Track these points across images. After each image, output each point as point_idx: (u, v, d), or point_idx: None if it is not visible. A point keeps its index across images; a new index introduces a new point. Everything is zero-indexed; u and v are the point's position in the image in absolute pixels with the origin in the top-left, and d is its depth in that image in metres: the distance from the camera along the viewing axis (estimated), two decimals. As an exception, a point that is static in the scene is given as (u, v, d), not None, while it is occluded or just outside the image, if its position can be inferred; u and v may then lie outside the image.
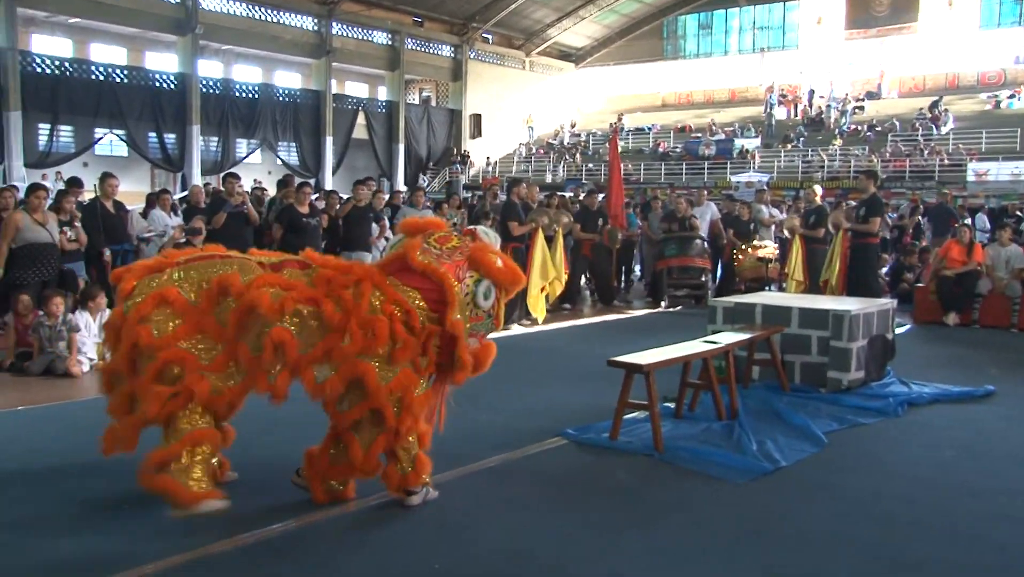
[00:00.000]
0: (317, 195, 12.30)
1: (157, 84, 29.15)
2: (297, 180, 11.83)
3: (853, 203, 12.26)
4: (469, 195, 27.72)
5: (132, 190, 24.20)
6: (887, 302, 8.29)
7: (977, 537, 4.28)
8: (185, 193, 11.75)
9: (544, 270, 10.55)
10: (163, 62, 31.16)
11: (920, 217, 17.94)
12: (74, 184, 10.09)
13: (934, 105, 33.51)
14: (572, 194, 19.67)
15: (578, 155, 38.22)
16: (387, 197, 14.83)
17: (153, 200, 12.04)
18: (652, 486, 4.99)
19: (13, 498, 4.60)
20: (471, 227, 4.79)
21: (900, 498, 4.83)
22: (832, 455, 5.64)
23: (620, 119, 40.39)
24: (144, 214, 11.57)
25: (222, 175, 11.24)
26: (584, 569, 3.86)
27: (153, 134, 28.76)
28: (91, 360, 8.01)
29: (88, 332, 8.11)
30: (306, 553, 3.92)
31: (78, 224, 9.26)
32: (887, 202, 20.43)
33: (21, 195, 13.87)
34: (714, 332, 7.34)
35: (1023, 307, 11.17)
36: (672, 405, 6.55)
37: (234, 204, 9.96)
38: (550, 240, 10.86)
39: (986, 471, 5.34)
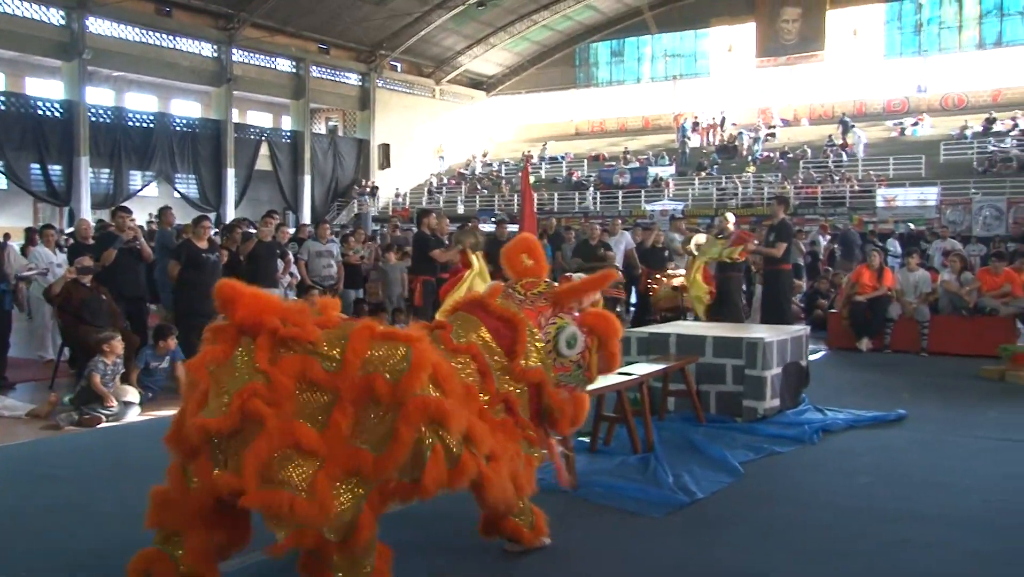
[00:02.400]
0: (217, 230, 11.77)
1: (40, 112, 27.69)
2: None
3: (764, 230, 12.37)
4: (378, 227, 27.30)
5: (13, 225, 23.01)
6: (800, 329, 8.25)
7: (893, 565, 4.23)
8: (71, 229, 11.18)
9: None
10: (47, 88, 29.62)
11: (833, 245, 18.30)
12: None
13: (844, 129, 34.45)
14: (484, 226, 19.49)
15: (490, 185, 38.09)
16: (292, 231, 14.35)
17: (34, 236, 11.35)
18: (568, 524, 4.74)
19: None
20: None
21: (817, 527, 4.77)
22: (748, 485, 5.55)
23: (533, 150, 40.52)
24: (23, 251, 10.88)
25: (111, 209, 10.61)
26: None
27: (36, 165, 27.31)
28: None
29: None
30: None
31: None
32: (800, 228, 20.84)
33: None
34: (628, 363, 7.14)
35: (932, 331, 11.30)
36: (587, 440, 6.34)
37: (125, 240, 9.41)
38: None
39: (900, 496, 5.30)
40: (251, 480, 2.95)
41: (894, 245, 18.07)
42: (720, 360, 7.23)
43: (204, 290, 8.85)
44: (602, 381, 6.00)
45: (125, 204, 22.57)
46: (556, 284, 4.36)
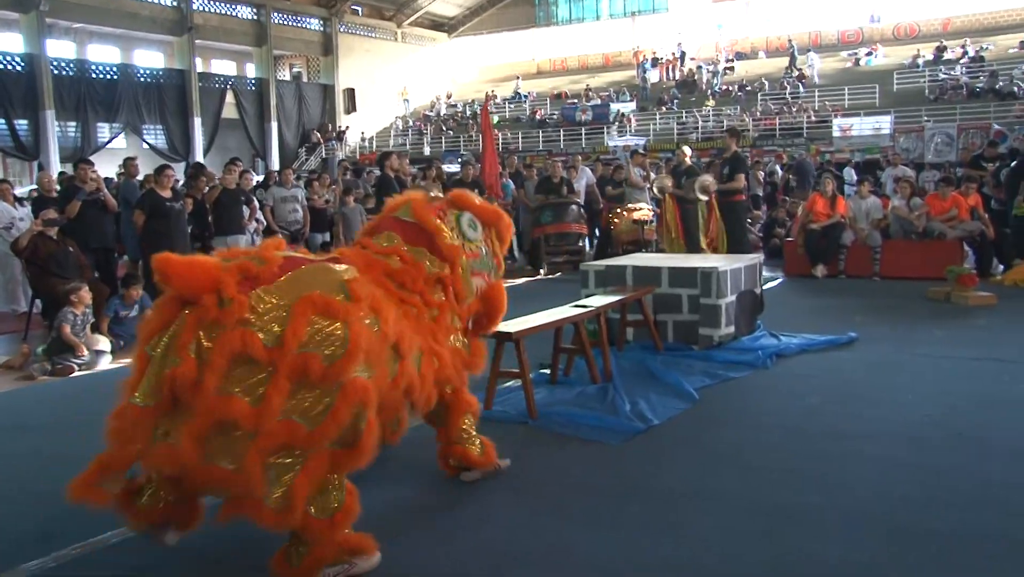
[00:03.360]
0: (188, 175, 11.73)
1: (1, 67, 27.31)
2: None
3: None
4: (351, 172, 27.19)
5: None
6: (754, 257, 8.46)
7: (839, 479, 4.41)
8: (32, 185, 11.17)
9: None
10: (6, 42, 28.98)
11: (789, 175, 18.56)
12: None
13: (793, 58, 34.81)
14: (450, 167, 19.54)
15: (455, 126, 37.94)
16: (258, 179, 14.36)
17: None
18: (526, 453, 4.95)
19: None
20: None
21: (767, 447, 4.96)
22: (703, 410, 5.75)
23: (498, 90, 40.31)
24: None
25: (74, 162, 10.59)
26: (458, 537, 3.84)
27: (2, 120, 27.00)
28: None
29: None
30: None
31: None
32: (759, 160, 21.06)
33: None
34: (587, 296, 7.37)
35: (884, 256, 11.61)
36: (547, 372, 6.55)
37: (88, 191, 9.45)
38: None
39: (849, 415, 5.53)
40: (190, 455, 3.00)
41: (850, 174, 18.32)
42: (676, 290, 7.44)
43: (169, 239, 9.00)
44: (560, 314, 6.28)
45: (92, 157, 22.53)
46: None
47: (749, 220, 15.80)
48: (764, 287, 8.41)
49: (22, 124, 27.36)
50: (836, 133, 28.05)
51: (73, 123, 28.99)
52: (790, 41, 36.02)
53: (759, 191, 17.47)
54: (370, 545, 3.45)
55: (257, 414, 2.99)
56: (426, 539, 3.85)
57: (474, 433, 4.41)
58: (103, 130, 30.45)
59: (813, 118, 30.02)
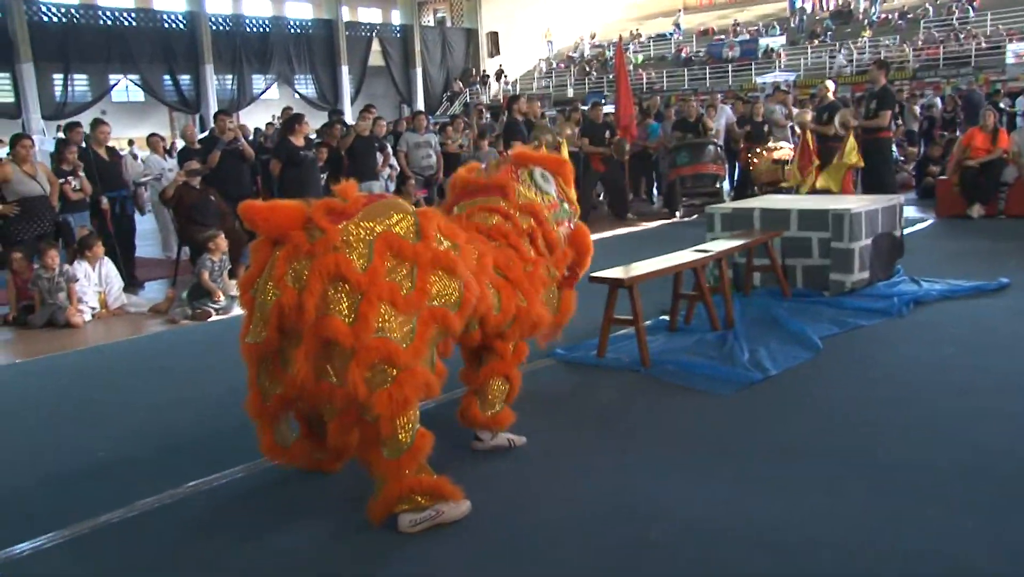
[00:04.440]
0: (337, 123, 12.00)
1: (167, 25, 28.90)
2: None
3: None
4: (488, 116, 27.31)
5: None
6: (894, 198, 7.97)
7: (957, 438, 4.13)
8: (206, 134, 11.59)
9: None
10: (171, 2, 30.74)
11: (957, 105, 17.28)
12: (72, 128, 9.82)
13: None
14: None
15: (598, 67, 37.36)
16: (391, 124, 14.57)
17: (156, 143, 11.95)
18: (634, 403, 4.89)
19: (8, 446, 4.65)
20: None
21: (887, 402, 4.68)
22: (826, 361, 5.49)
23: (642, 29, 39.33)
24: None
25: (214, 114, 10.99)
26: (551, 486, 3.83)
27: (167, 77, 28.61)
28: (92, 309, 8.06)
29: (88, 281, 8.14)
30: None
31: (82, 174, 9.15)
32: (919, 93, 19.81)
33: (42, 146, 14.00)
34: (712, 240, 7.15)
35: (1050, 193, 10.76)
36: (667, 318, 6.42)
37: (226, 141, 9.82)
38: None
39: (980, 368, 5.16)
40: (304, 374, 3.25)
41: (1022, 103, 16.97)
42: (806, 233, 7.11)
43: (303, 186, 9.28)
44: (679, 259, 6.12)
45: (249, 107, 23.32)
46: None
47: (903, 158, 14.98)
48: (911, 229, 7.92)
49: (185, 79, 28.89)
50: (1010, 60, 26.00)
51: (230, 76, 30.31)
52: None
53: (914, 127, 16.46)
54: (451, 491, 3.44)
55: (354, 332, 3.17)
56: (522, 490, 3.84)
57: (499, 401, 4.23)
58: (258, 81, 31.71)
59: (984, 44, 27.87)
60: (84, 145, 9.53)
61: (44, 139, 17.60)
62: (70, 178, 9.01)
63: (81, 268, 8.13)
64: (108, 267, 8.46)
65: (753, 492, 3.65)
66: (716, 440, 4.29)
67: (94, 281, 8.22)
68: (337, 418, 3.37)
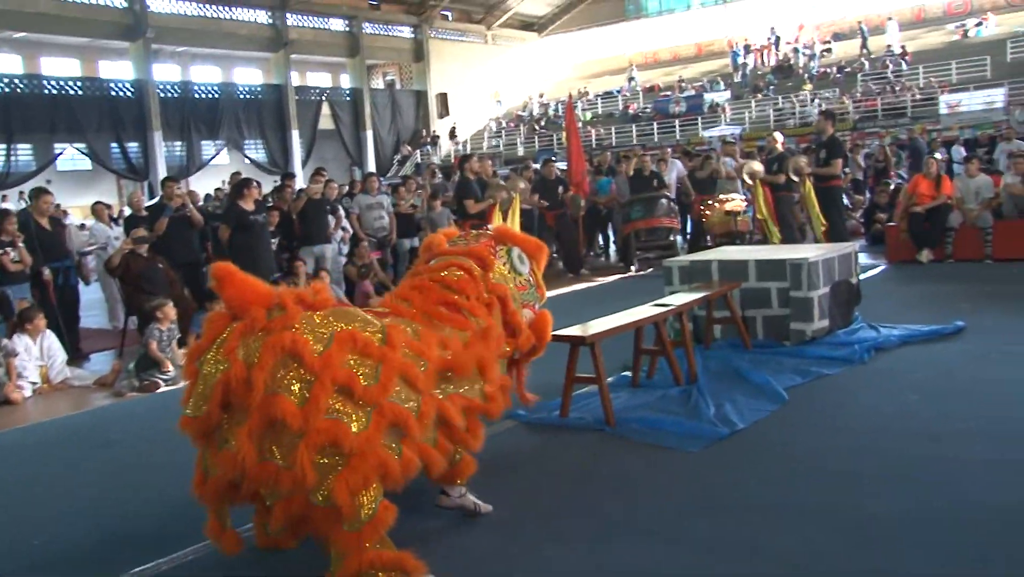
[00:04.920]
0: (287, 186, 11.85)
1: (114, 93, 28.62)
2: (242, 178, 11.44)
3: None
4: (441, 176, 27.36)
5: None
6: (849, 246, 8.01)
7: (930, 486, 4.06)
8: (154, 201, 11.30)
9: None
10: (118, 70, 30.49)
11: (901, 154, 17.66)
12: (40, 195, 9.49)
13: (863, 39, 33.74)
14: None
15: (548, 125, 37.74)
16: (345, 187, 14.49)
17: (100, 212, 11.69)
18: (601, 464, 4.75)
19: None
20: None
21: (858, 451, 4.61)
22: (792, 412, 5.42)
23: (590, 87, 39.99)
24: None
25: (162, 180, 10.82)
26: (521, 553, 3.68)
27: (115, 144, 28.24)
28: (33, 384, 7.77)
29: (29, 355, 7.86)
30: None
31: (21, 245, 8.88)
32: (861, 143, 20.22)
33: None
34: (671, 293, 7.09)
35: (996, 237, 10.93)
36: (630, 374, 6.31)
37: (174, 208, 9.63)
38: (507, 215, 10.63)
39: (948, 414, 5.12)
40: (247, 453, 3.03)
41: (958, 152, 17.37)
42: (764, 284, 7.08)
43: (253, 251, 9.10)
44: (640, 314, 6.03)
45: (197, 173, 23.02)
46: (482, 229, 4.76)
47: (850, 206, 15.19)
48: (864, 275, 7.96)
49: (133, 147, 28.55)
50: (943, 110, 26.78)
51: (179, 142, 30.07)
52: (859, 24, 34.63)
53: (859, 175, 16.74)
54: (415, 565, 3.23)
55: (304, 413, 3.02)
56: (484, 555, 3.68)
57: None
58: (207, 147, 31.44)
59: (918, 96, 28.67)
60: (25, 215, 9.27)
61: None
62: (8, 249, 8.73)
63: (21, 342, 7.85)
64: (51, 340, 8.18)
65: (730, 556, 3.52)
66: (688, 499, 4.17)
67: (35, 355, 7.94)
68: (283, 502, 3.16)
